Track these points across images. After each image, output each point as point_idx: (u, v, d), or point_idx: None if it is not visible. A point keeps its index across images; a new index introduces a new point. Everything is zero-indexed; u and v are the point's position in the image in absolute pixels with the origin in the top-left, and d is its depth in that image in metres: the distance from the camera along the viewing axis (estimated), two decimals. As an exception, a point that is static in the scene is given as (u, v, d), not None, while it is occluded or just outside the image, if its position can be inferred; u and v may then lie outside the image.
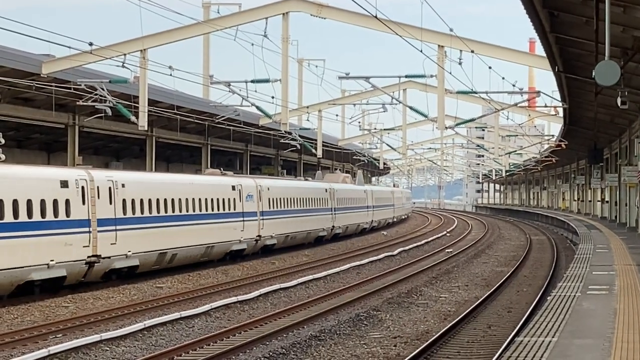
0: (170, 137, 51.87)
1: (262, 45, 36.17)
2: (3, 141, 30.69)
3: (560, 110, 52.92)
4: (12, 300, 26.82)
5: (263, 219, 44.41)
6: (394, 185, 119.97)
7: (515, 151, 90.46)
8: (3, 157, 30.04)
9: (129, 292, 29.59)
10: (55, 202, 28.51)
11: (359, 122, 74.48)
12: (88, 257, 29.93)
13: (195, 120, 47.28)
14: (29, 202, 27.37)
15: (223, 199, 40.13)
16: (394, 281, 32.76)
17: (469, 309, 24.74)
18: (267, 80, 39.75)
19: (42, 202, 27.94)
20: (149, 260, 33.85)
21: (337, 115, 67.52)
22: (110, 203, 31.48)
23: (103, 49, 34.36)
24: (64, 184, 29.20)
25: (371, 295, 28.76)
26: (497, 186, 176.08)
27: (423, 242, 57.65)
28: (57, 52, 36.28)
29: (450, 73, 36.53)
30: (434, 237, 64.21)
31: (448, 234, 69.17)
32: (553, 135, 75.39)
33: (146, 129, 38.26)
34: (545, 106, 56.82)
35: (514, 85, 44.04)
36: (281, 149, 70.17)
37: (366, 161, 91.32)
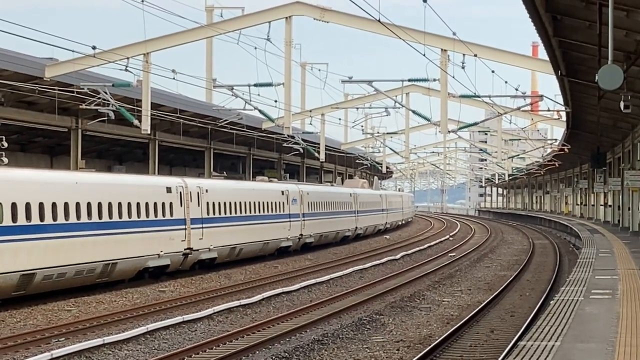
0: (173, 140, 51.89)
1: (265, 49, 36.11)
2: (6, 145, 30.71)
3: (563, 114, 52.87)
4: (14, 304, 26.83)
5: (304, 220, 50.74)
6: (398, 190, 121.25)
7: (518, 155, 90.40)
8: (6, 160, 30.04)
9: (131, 296, 29.59)
10: (163, 204, 34.37)
11: (362, 126, 74.48)
12: (184, 249, 35.97)
13: (198, 124, 47.30)
14: (147, 205, 33.29)
15: (276, 202, 45.96)
16: (397, 285, 32.75)
17: (472, 313, 24.72)
18: (270, 84, 39.77)
19: (155, 204, 33.77)
20: (224, 253, 39.55)
21: (339, 119, 67.40)
22: (199, 205, 37.21)
23: (106, 52, 34.39)
24: (169, 189, 35.26)
25: (374, 299, 28.74)
26: (500, 190, 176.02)
27: (426, 246, 57.63)
28: (60, 55, 36.45)
29: (453, 77, 36.54)
30: (437, 241, 64.18)
31: (451, 238, 69.13)
32: (556, 139, 75.31)
33: (149, 132, 38.27)
34: (548, 110, 56.77)
35: (516, 89, 44.06)
36: (284, 153, 70.17)
37: (369, 165, 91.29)
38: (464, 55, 35.01)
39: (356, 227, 64.87)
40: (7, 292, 26.47)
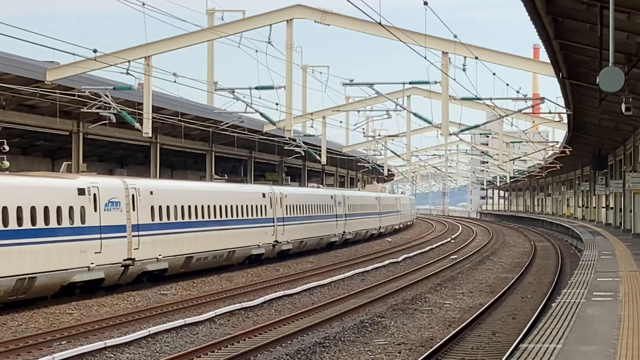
0: (174, 143, 51.90)
1: (266, 52, 36.19)
2: (8, 148, 30.73)
3: (565, 117, 52.90)
4: (16, 308, 26.84)
5: (346, 220, 60.57)
6: (401, 193, 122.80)
7: (520, 157, 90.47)
8: (7, 164, 30.05)
9: (133, 299, 29.59)
10: (261, 206, 44.05)
11: (363, 129, 74.53)
12: (274, 242, 45.61)
13: (200, 127, 47.31)
14: (252, 207, 42.92)
15: (327, 205, 56.15)
16: (399, 288, 32.75)
17: (474, 316, 24.71)
18: (271, 87, 39.77)
19: (254, 206, 43.30)
20: (297, 245, 49.46)
21: (341, 121, 67.53)
22: (281, 207, 46.79)
23: (107, 56, 34.41)
24: (264, 195, 44.83)
25: (375, 302, 28.74)
26: (502, 193, 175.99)
27: (427, 248, 57.62)
28: (62, 59, 36.34)
29: (455, 79, 36.60)
30: (439, 243, 64.18)
31: (452, 241, 69.12)
32: (557, 142, 75.31)
33: (150, 135, 38.29)
34: (550, 112, 56.87)
35: (518, 92, 44.03)
36: (285, 156, 70.17)
37: (370, 168, 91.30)
38: (465, 57, 35.01)
39: (380, 227, 74.40)
40: (177, 269, 35.75)
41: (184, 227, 36.09)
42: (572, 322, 15.53)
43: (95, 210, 30.38)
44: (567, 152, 63.56)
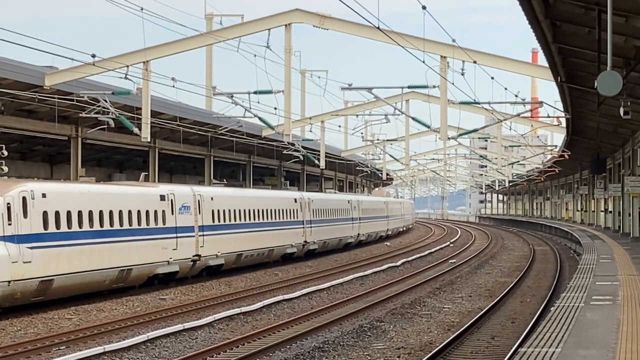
0: (173, 148, 51.90)
1: (264, 57, 36.10)
2: (6, 153, 30.73)
3: (563, 121, 52.91)
4: (15, 313, 26.83)
5: (360, 223, 66.14)
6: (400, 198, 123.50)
7: (518, 161, 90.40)
8: (6, 169, 30.06)
9: (132, 304, 29.58)
10: (293, 210, 49.74)
11: (362, 133, 74.47)
12: (303, 242, 51.40)
13: (198, 132, 47.31)
14: (285, 211, 48.40)
15: (345, 209, 62.10)
16: (398, 292, 32.74)
17: (473, 320, 24.71)
18: (269, 92, 39.77)
19: (289, 210, 48.94)
20: (322, 245, 55.02)
21: (339, 126, 67.43)
22: (309, 211, 52.49)
23: (106, 60, 34.41)
24: (295, 200, 50.55)
25: (375, 306, 28.73)
26: (500, 197, 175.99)
27: (426, 252, 57.62)
28: (60, 64, 36.43)
29: (453, 83, 36.54)
30: (437, 247, 64.17)
31: (451, 245, 69.12)
32: (556, 146, 75.30)
33: (149, 140, 38.28)
34: (548, 116, 56.93)
35: (516, 96, 44.07)
36: (284, 160, 70.17)
37: (369, 172, 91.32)
38: (463, 62, 35.01)
39: (387, 229, 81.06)
40: (230, 264, 40.70)
41: (236, 228, 41.53)
42: (571, 326, 15.53)
43: (172, 213, 35.50)
44: (566, 156, 63.55)
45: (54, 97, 36.12)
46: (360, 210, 66.51)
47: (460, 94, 63.12)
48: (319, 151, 60.64)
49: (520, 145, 75.21)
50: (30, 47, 27.68)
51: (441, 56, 35.27)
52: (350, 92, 45.64)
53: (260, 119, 44.12)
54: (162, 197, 34.92)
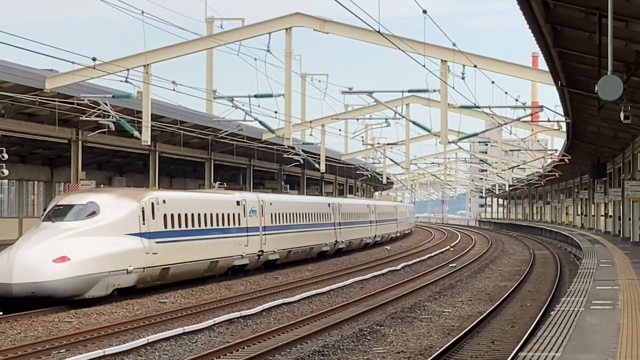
0: (173, 152, 51.90)
1: (265, 60, 36.09)
2: (7, 156, 30.78)
3: (563, 125, 52.95)
4: (15, 316, 26.83)
5: (377, 225, 73.30)
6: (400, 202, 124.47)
7: (519, 166, 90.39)
8: (6, 172, 30.11)
9: (132, 307, 29.57)
10: (327, 213, 56.65)
11: (362, 137, 74.54)
12: (334, 241, 57.80)
13: (199, 135, 47.32)
14: (322, 214, 55.29)
15: (365, 212, 68.55)
16: (398, 296, 32.73)
17: (473, 324, 24.70)
18: (270, 95, 39.78)
19: (324, 213, 55.87)
20: (348, 245, 61.66)
21: (340, 130, 67.46)
22: (339, 214, 59.28)
23: (106, 64, 34.41)
24: (329, 205, 57.64)
25: (375, 310, 28.72)
26: (501, 201, 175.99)
27: (426, 256, 57.61)
28: (61, 67, 36.36)
29: (453, 88, 36.55)
30: (438, 251, 64.15)
31: (451, 249, 69.12)
32: (556, 150, 75.29)
33: (149, 144, 38.28)
34: (549, 121, 56.82)
35: (516, 100, 44.06)
36: (284, 164, 70.16)
37: (369, 176, 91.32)
38: (463, 66, 35.01)
39: (397, 232, 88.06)
40: (282, 259, 47.11)
41: (288, 228, 48.05)
42: (571, 331, 15.53)
43: (244, 216, 42.06)
44: (566, 160, 63.56)
45: (54, 100, 36.12)
46: (376, 214, 73.21)
47: (461, 98, 63.05)
48: (319, 155, 60.64)
49: (520, 150, 75.18)
50: (30, 50, 27.71)
51: (442, 60, 35.27)
52: (351, 95, 45.70)
53: (260, 122, 44.15)
54: (238, 203, 41.53)
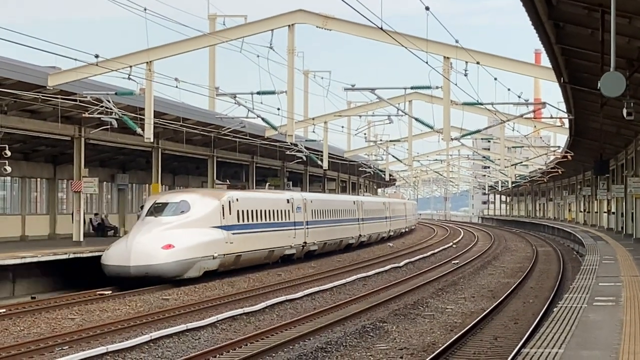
0: (176, 149, 51.90)
1: (267, 57, 36.02)
2: (9, 153, 30.80)
3: (566, 122, 52.87)
4: (18, 313, 26.87)
5: (391, 221, 79.77)
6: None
7: (521, 162, 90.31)
8: (9, 169, 30.12)
9: (135, 304, 29.59)
10: (352, 210, 62.43)
11: (365, 134, 74.49)
12: (358, 235, 63.78)
13: (201, 132, 47.32)
14: (348, 211, 61.10)
15: (382, 209, 74.95)
16: (400, 292, 32.74)
17: (476, 321, 24.71)
18: (272, 92, 39.75)
19: (350, 210, 61.61)
20: (368, 238, 67.73)
21: (342, 126, 67.43)
22: (362, 211, 65.39)
23: (109, 61, 34.42)
24: (354, 202, 63.69)
25: (377, 307, 28.73)
26: (503, 197, 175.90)
27: (429, 253, 57.61)
28: (63, 64, 36.43)
29: (456, 84, 36.55)
30: (440, 248, 64.16)
31: (454, 246, 69.11)
32: (559, 147, 75.25)
33: (152, 140, 38.29)
34: (551, 117, 56.80)
35: (519, 97, 44.04)
36: (287, 161, 70.16)
37: (372, 173, 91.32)
38: (466, 62, 34.99)
39: (406, 226, 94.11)
40: (319, 250, 53.21)
41: (324, 223, 54.24)
42: (573, 327, 15.53)
43: (292, 211, 48.07)
44: (569, 157, 63.52)
45: (57, 98, 36.13)
46: (390, 211, 79.90)
47: (463, 94, 62.97)
48: (321, 152, 60.63)
49: (523, 146, 75.13)
50: (33, 47, 27.77)
51: (444, 57, 35.25)
52: (353, 92, 45.63)
53: (263, 119, 44.14)
54: (288, 201, 47.69)
